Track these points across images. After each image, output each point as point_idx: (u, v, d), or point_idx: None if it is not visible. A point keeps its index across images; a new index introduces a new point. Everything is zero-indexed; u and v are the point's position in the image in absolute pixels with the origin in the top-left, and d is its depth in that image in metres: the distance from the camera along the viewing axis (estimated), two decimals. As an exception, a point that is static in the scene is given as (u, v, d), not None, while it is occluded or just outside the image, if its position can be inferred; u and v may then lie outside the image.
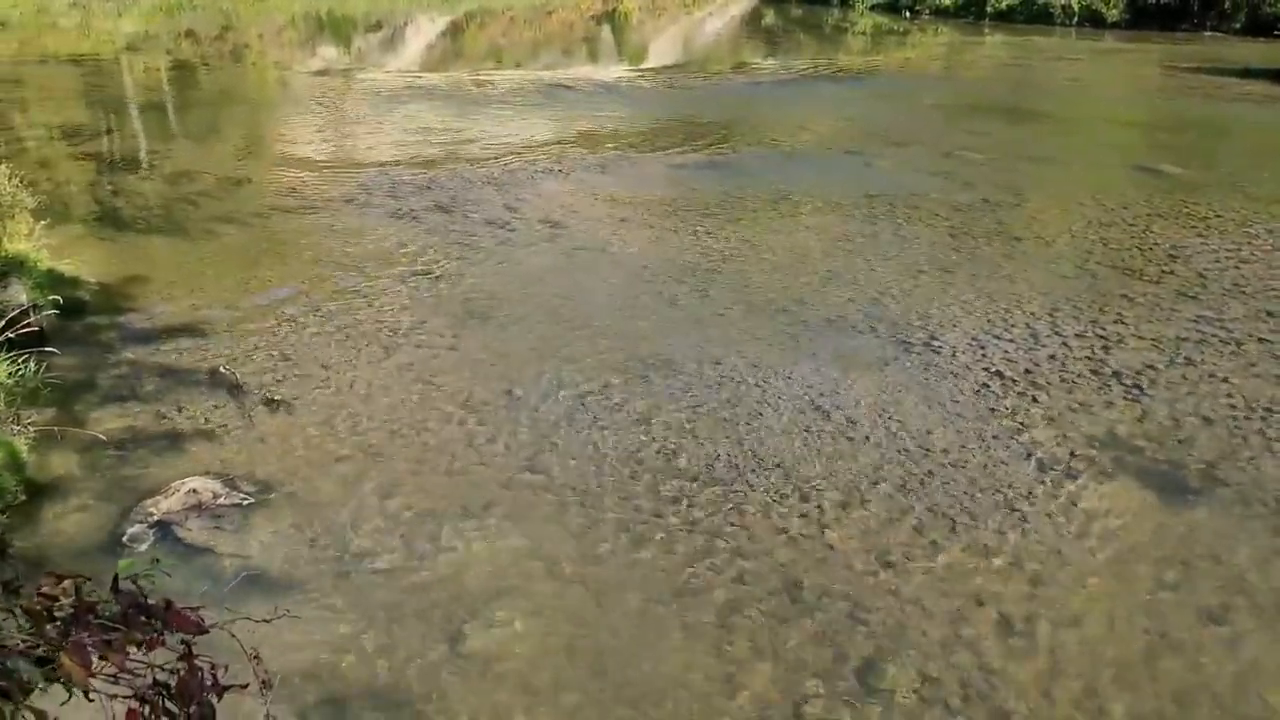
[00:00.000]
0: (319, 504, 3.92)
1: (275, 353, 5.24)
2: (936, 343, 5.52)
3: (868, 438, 4.52)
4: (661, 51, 23.26)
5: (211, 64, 18.72)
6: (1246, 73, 15.10)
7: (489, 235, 7.22)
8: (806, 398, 4.89)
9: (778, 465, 4.29)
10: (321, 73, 16.55)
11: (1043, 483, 4.18)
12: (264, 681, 1.54)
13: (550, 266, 6.68)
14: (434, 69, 17.89)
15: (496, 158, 9.60)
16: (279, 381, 4.90)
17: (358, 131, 11.27)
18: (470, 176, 8.84)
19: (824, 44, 23.26)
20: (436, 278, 6.37)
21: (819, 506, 4.00)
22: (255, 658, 1.55)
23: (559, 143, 10.43)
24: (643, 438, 4.49)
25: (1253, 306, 6.01)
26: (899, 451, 4.41)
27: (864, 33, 24.45)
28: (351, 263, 6.60)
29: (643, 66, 18.31)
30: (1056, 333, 5.64)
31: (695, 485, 4.14)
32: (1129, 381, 5.04)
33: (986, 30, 22.72)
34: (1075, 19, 21.82)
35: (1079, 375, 5.12)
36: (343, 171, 9.15)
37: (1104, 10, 21.46)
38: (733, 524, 3.89)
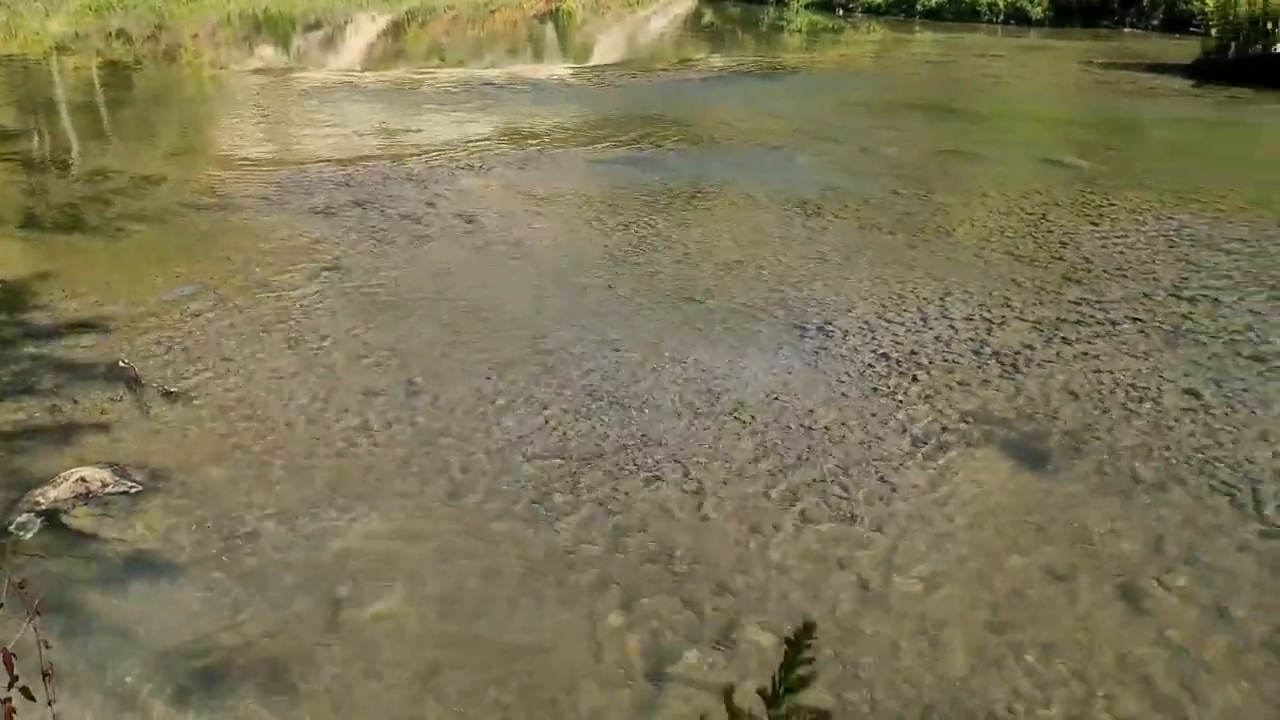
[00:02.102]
0: (209, 491, 4.01)
1: (177, 347, 5.30)
2: (830, 327, 5.72)
3: (754, 417, 4.70)
4: (601, 50, 23.39)
5: (144, 64, 18.52)
6: (1159, 68, 15.58)
7: (403, 230, 7.31)
8: (699, 381, 5.06)
9: (664, 445, 4.45)
10: (258, 72, 16.48)
11: (914, 456, 4.38)
12: (44, 673, 1.64)
13: (462, 260, 6.80)
14: (374, 68, 17.89)
15: (419, 155, 9.68)
16: (179, 374, 4.97)
17: (282, 130, 11.28)
18: (390, 173, 8.92)
19: (759, 42, 23.54)
20: (346, 272, 6.46)
21: (699, 482, 4.17)
22: (47, 646, 1.65)
23: (484, 139, 10.52)
24: (537, 422, 4.63)
25: (1131, 289, 6.29)
26: (782, 430, 4.60)
27: (799, 30, 24.76)
28: (262, 259, 6.66)
29: (580, 65, 18.44)
30: (945, 316, 5.87)
31: (583, 465, 4.28)
32: (1006, 361, 5.28)
33: (917, 28, 23.15)
34: (1001, 16, 22.31)
35: (960, 355, 5.35)
36: (262, 169, 9.18)
37: (1029, 8, 21.96)
38: (615, 500, 4.04)
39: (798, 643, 1.11)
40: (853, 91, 14.05)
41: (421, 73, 16.36)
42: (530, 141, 10.47)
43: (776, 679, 1.09)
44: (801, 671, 1.08)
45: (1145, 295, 6.20)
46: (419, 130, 10.97)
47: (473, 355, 5.30)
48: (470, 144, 10.26)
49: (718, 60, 18.22)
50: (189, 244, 7.11)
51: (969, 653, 3.26)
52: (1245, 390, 4.95)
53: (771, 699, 1.09)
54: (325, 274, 6.42)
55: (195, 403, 4.70)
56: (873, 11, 25.34)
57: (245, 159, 9.76)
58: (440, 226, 7.45)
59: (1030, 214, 7.88)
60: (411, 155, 9.66)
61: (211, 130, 11.95)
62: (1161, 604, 3.48)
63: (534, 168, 9.29)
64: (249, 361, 5.16)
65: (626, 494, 4.09)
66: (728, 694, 1.11)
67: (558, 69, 17.44)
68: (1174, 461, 4.33)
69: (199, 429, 4.48)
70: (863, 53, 20.32)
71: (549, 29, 28.23)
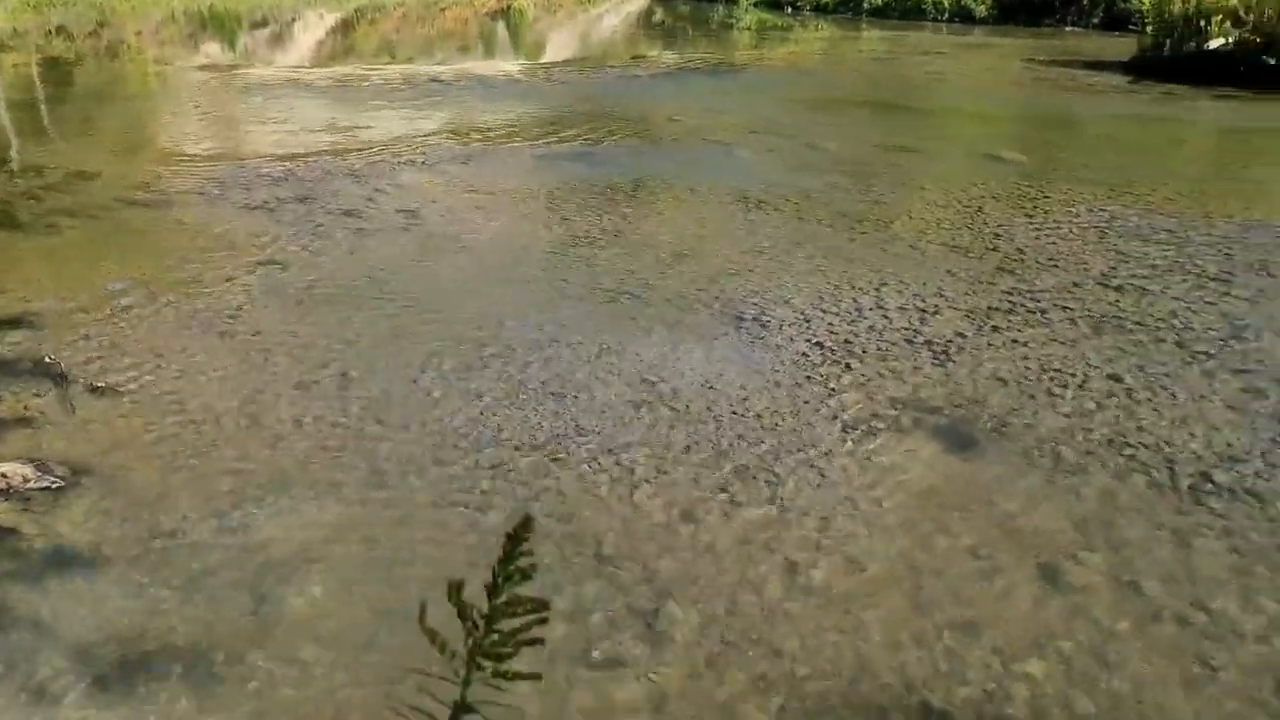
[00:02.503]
0: (134, 485, 3.96)
1: (107, 342, 5.23)
2: (766, 318, 5.78)
3: (688, 407, 4.74)
4: (551, 47, 23.34)
5: (85, 61, 18.19)
6: (1098, 65, 15.90)
7: (342, 225, 7.27)
8: (635, 372, 5.09)
9: (598, 434, 4.48)
10: (203, 69, 16.26)
11: (844, 442, 4.45)
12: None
13: (401, 255, 6.77)
14: (323, 65, 17.71)
15: (362, 150, 9.62)
16: (106, 370, 4.91)
17: (223, 127, 11.15)
18: (332, 169, 8.86)
19: (709, 39, 23.64)
20: (284, 267, 6.41)
21: (631, 470, 4.20)
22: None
23: (428, 135, 10.48)
24: (470, 413, 4.63)
25: (1062, 279, 6.42)
26: (715, 418, 4.64)
27: (748, 28, 24.93)
28: (196, 254, 6.59)
29: (530, 62, 18.41)
30: (880, 306, 5.96)
31: (515, 454, 4.29)
32: (938, 349, 5.37)
33: (863, 26, 23.41)
34: (946, 14, 22.63)
35: (893, 344, 5.43)
36: (202, 165, 9.07)
37: (973, 6, 22.30)
38: (546, 489, 4.06)
39: (516, 537, 1.17)
40: (798, 88, 14.18)
41: (369, 70, 16.24)
42: (475, 137, 10.45)
43: (496, 571, 1.15)
44: (521, 563, 1.14)
45: (1075, 284, 6.33)
46: (362, 126, 10.90)
47: (409, 348, 5.29)
48: (414, 140, 10.21)
49: (667, 57, 18.29)
50: (123, 240, 7.01)
51: (890, 631, 3.32)
52: (1166, 375, 5.07)
53: (492, 590, 1.16)
54: (262, 269, 6.37)
55: (123, 398, 4.64)
56: (820, 10, 25.59)
57: (185, 155, 9.63)
58: (381, 222, 7.42)
59: (967, 207, 8.01)
60: (354, 151, 9.59)
61: (151, 126, 11.78)
62: (1078, 580, 3.57)
63: (478, 163, 9.27)
64: (180, 356, 5.10)
65: (558, 482, 4.10)
66: (453, 588, 1.16)
67: (507, 66, 17.40)
68: (1095, 444, 4.43)
69: (126, 424, 4.43)
70: (810, 50, 20.49)
71: (500, 27, 28.13)
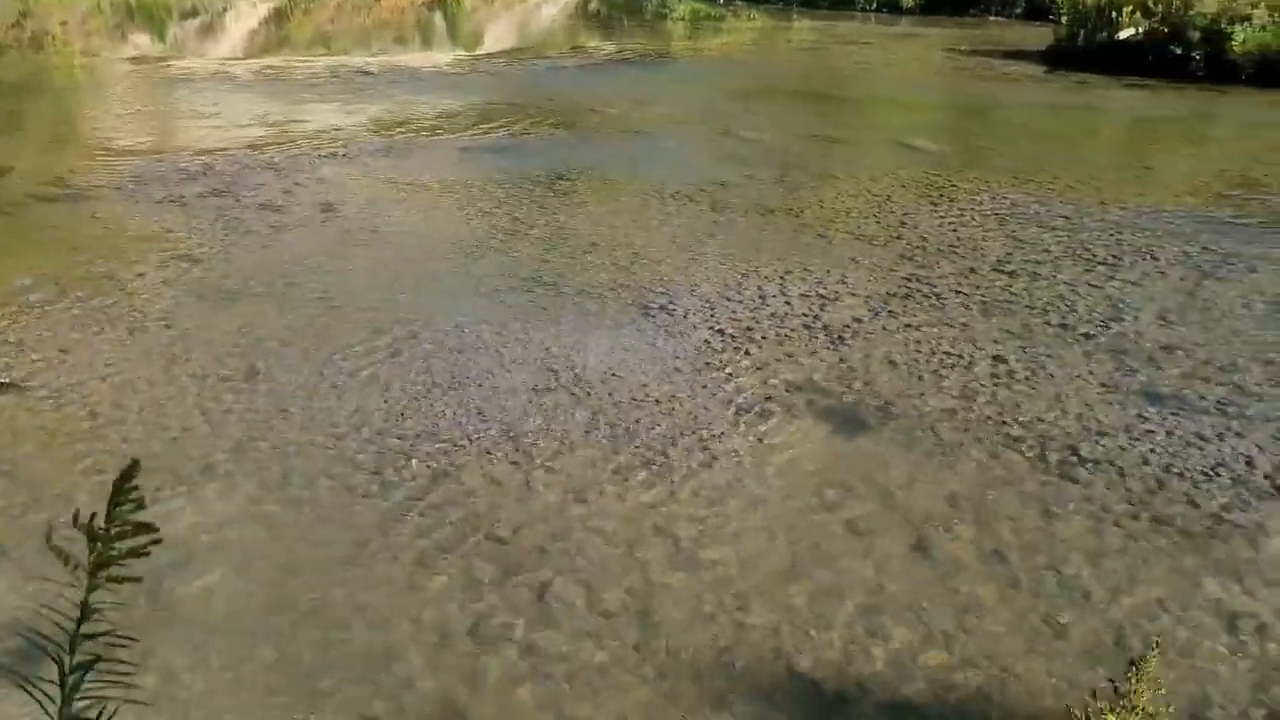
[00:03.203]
0: (35, 479, 4.02)
1: (13, 339, 5.24)
2: (673, 306, 5.95)
3: (589, 393, 4.89)
4: (487, 37, 23.26)
5: (7, 53, 17.80)
6: (1017, 55, 16.30)
7: (259, 219, 7.30)
8: (540, 360, 5.22)
9: (499, 421, 4.61)
10: (130, 61, 16.01)
11: (737, 425, 4.63)
12: None
13: (317, 248, 6.83)
14: (255, 56, 17.49)
15: (283, 144, 9.62)
16: (11, 365, 4.93)
17: (144, 120, 11.05)
18: (251, 163, 8.85)
19: (643, 29, 23.72)
20: (197, 261, 6.44)
21: (529, 455, 4.34)
22: None
23: (352, 128, 10.49)
24: (376, 402, 4.74)
25: (959, 265, 6.67)
26: (615, 404, 4.79)
27: (682, 18, 25.05)
28: (110, 250, 6.59)
29: (464, 53, 18.36)
30: (783, 294, 6.15)
31: (418, 442, 4.41)
32: (834, 334, 5.58)
33: (794, 16, 23.69)
34: (875, 4, 22.98)
35: (793, 330, 5.63)
36: (120, 160, 9.01)
37: (900, -3, 22.68)
38: (446, 474, 4.19)
39: (126, 476, 1.37)
40: (725, 78, 14.38)
41: (297, 62, 16.11)
42: (399, 130, 10.48)
43: (109, 506, 1.46)
44: (131, 498, 1.43)
45: (971, 270, 6.58)
46: (285, 120, 10.87)
47: (319, 340, 5.37)
48: (337, 133, 10.22)
49: (600, 48, 18.37)
50: (35, 236, 6.97)
51: (767, 601, 3.50)
52: (1048, 356, 5.33)
53: (106, 520, 1.45)
54: (175, 263, 6.39)
55: (27, 392, 4.68)
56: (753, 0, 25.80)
57: (104, 149, 9.55)
58: (298, 215, 7.46)
59: (876, 196, 8.25)
60: (275, 144, 9.58)
61: (71, 120, 11.63)
62: (946, 551, 3.78)
63: (400, 156, 9.32)
64: (86, 351, 5.13)
65: (457, 469, 4.23)
66: (76, 516, 1.37)
67: (440, 57, 17.37)
68: (974, 422, 4.67)
69: (29, 418, 4.47)
70: (741, 40, 20.71)
71: (437, 16, 27.94)
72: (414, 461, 4.26)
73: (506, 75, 14.68)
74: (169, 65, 15.40)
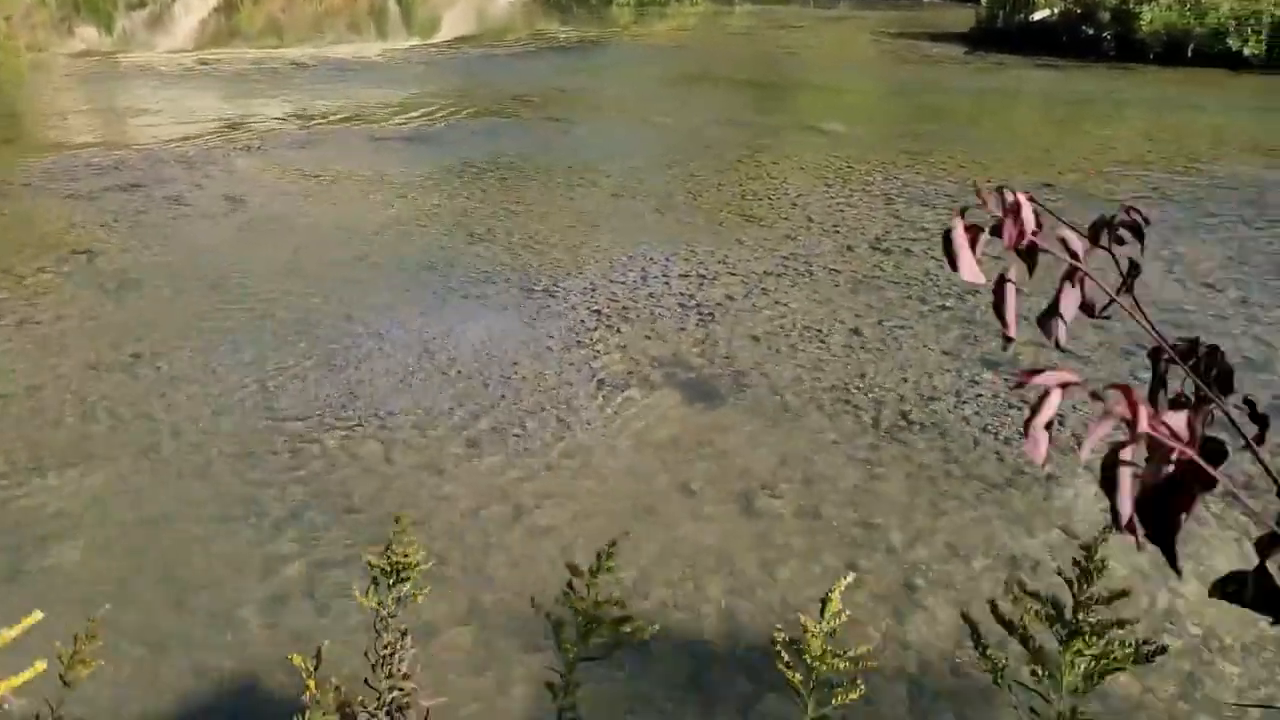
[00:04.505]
0: (-88, 463, 4.23)
1: (-95, 332, 5.44)
2: (556, 289, 6.21)
3: (460, 372, 5.15)
4: (435, 25, 23.31)
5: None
6: (941, 37, 16.65)
7: (165, 212, 7.48)
8: (420, 343, 5.47)
9: (369, 400, 4.86)
10: (76, 56, 15.99)
11: (596, 398, 4.91)
12: None
13: (222, 239, 7.03)
14: (203, 48, 17.51)
15: (198, 137, 9.77)
16: (-100, 358, 5.13)
17: (60, 116, 11.14)
18: (163, 156, 9.01)
19: (590, 15, 23.85)
20: (97, 254, 6.63)
21: (393, 431, 4.60)
22: None
23: (272, 120, 10.65)
24: (253, 387, 4.97)
25: (839, 243, 6.98)
26: (483, 382, 5.06)
27: (627, 4, 25.19)
28: (8, 245, 6.76)
29: (402, 43, 18.45)
30: (664, 275, 6.44)
31: (288, 422, 4.66)
32: (705, 312, 5.87)
33: (736, 2, 23.93)
34: (813, -11, 23.29)
35: (667, 309, 5.91)
36: (33, 155, 9.13)
37: (837, -20, 22.99)
38: (311, 453, 4.43)
39: None
40: (654, 65, 14.62)
41: (233, 54, 16.17)
42: (319, 121, 10.65)
43: None
44: None
45: (849, 249, 6.89)
46: (207, 113, 11.00)
47: (208, 328, 5.59)
48: (255, 125, 10.37)
49: (543, 34, 18.53)
50: (-61, 233, 7.12)
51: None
52: (902, 329, 5.65)
53: None
54: (75, 257, 6.58)
55: (-88, 385, 4.88)
56: (696, -15, 26.00)
57: (17, 145, 9.66)
58: (205, 207, 7.64)
59: (774, 178, 8.54)
60: (190, 138, 9.73)
61: (-6, 117, 11.69)
62: (767, 509, 4.08)
63: (315, 147, 9.50)
64: (-23, 344, 5.33)
65: (323, 446, 4.48)
66: None
67: (377, 46, 17.47)
68: (820, 391, 4.97)
69: (-87, 409, 4.67)
70: (680, 26, 20.93)
71: (390, 4, 27.88)
72: (280, 439, 4.50)
73: (438, 64, 14.84)
74: (112, 59, 15.42)
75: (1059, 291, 0.78)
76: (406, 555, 1.76)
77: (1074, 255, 0.75)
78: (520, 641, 3.35)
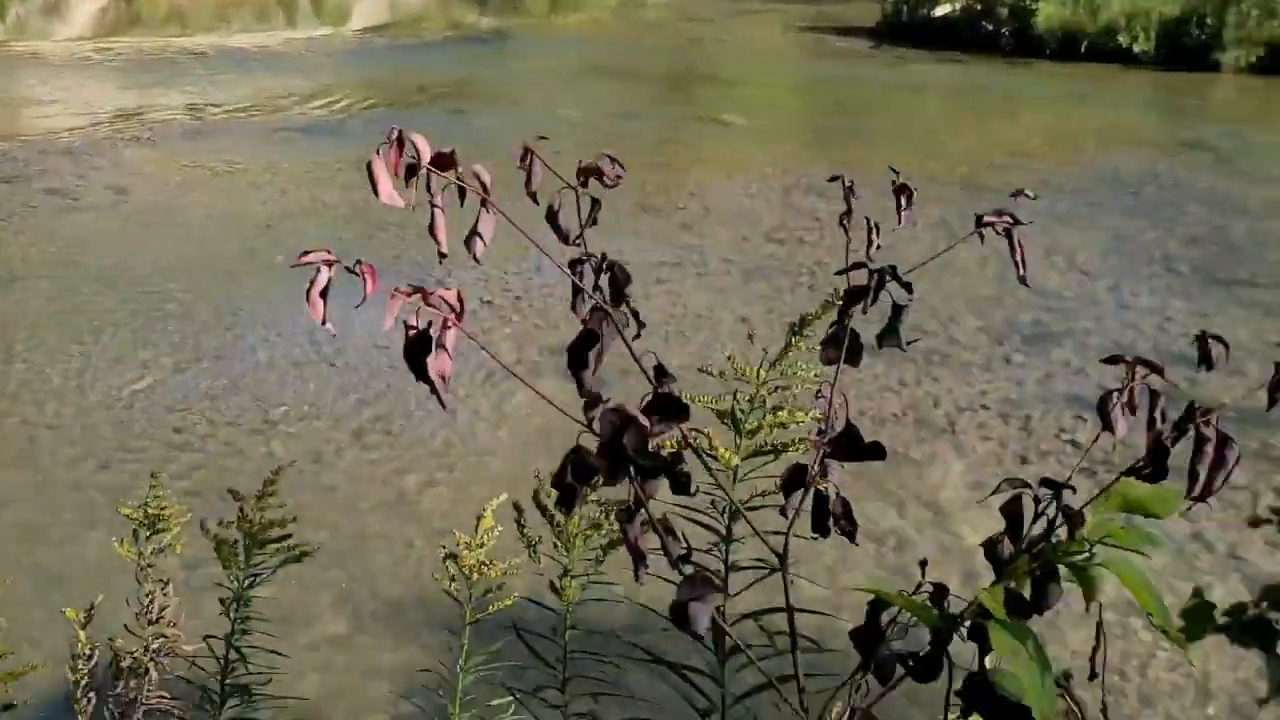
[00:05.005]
0: None
1: None
2: (449, 282, 6.19)
3: (348, 364, 5.12)
4: (344, 14, 22.88)
5: None
6: (849, 31, 16.92)
7: (46, 204, 7.27)
8: (307, 335, 5.41)
9: (252, 392, 4.80)
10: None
11: (483, 387, 4.92)
12: None
13: (103, 231, 6.86)
14: (105, 35, 16.94)
15: (89, 127, 9.49)
16: None
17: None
18: (50, 147, 8.74)
19: (505, 7, 23.64)
20: (-29, 248, 6.43)
21: (274, 423, 4.55)
22: None
23: (165, 110, 10.39)
24: (129, 377, 4.88)
25: (735, 234, 7.09)
26: (371, 374, 5.03)
27: (544, -6, 25.00)
28: (-121, 238, 6.52)
29: (310, 32, 18.10)
30: (558, 267, 6.45)
31: (165, 414, 4.58)
32: (597, 300, 5.91)
33: (650, -7, 23.99)
34: (725, -17, 23.45)
35: (558, 298, 5.94)
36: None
37: (750, -26, 23.19)
38: (189, 444, 4.37)
39: None
40: (562, 56, 14.60)
41: (131, 43, 15.72)
42: (214, 111, 10.43)
43: None
44: None
45: (744, 239, 7.00)
46: (97, 103, 10.69)
47: (84, 321, 5.46)
48: (148, 115, 10.11)
49: (459, 23, 18.36)
50: None
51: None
52: (787, 316, 5.76)
53: None
54: (-52, 251, 6.37)
55: None
56: (611, -23, 25.97)
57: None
58: (90, 200, 7.44)
59: (674, 169, 8.63)
60: (80, 128, 9.46)
61: None
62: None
63: (209, 138, 9.31)
64: None
65: (201, 438, 4.42)
66: None
67: (289, 34, 17.12)
68: (687, 369, 5.04)
69: None
70: (594, 17, 20.90)
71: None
72: (156, 432, 4.43)
73: (345, 54, 14.63)
74: (5, 46, 14.86)
75: (478, 218, 0.93)
76: (163, 509, 1.82)
77: (485, 186, 0.91)
78: (400, 628, 3.36)
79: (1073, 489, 0.82)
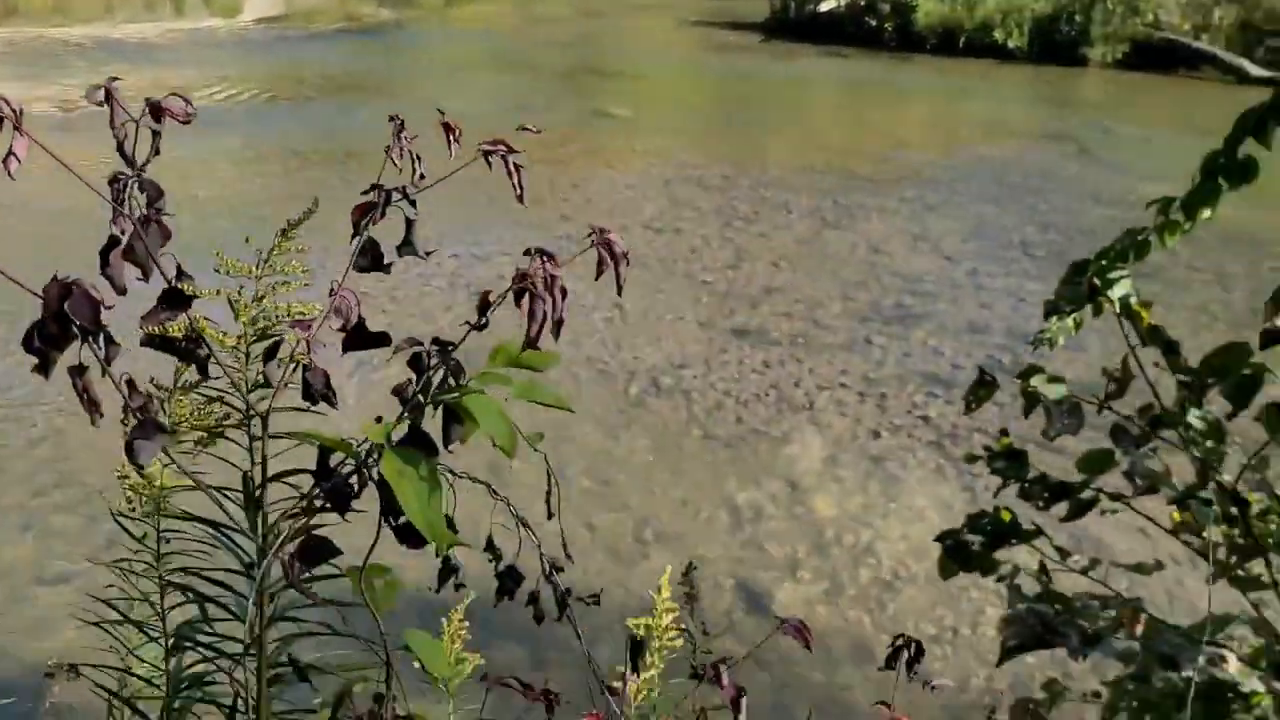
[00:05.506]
0: None
1: None
2: (320, 270, 6.15)
3: (215, 356, 5.06)
4: (242, 7, 22.30)
5: None
6: (742, 26, 17.19)
7: (-100, 199, 6.99)
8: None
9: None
10: None
11: (351, 376, 4.93)
12: None
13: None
14: None
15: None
16: None
17: None
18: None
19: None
20: None
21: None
22: None
23: (29, 102, 10.03)
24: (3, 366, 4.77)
25: (615, 223, 7.13)
26: (239, 364, 4.99)
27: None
28: None
29: (195, 23, 17.64)
30: (436, 256, 6.46)
31: (22, 410, 4.49)
32: (475, 290, 5.95)
33: (547, -13, 23.96)
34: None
35: (437, 289, 5.98)
36: None
37: (645, -31, 23.35)
38: (45, 438, 4.29)
39: None
40: (456, 49, 14.54)
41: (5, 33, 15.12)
42: (84, 105, 10.10)
43: None
44: None
45: (623, 229, 7.08)
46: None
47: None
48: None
49: (356, 14, 18.07)
50: None
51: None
52: (664, 302, 5.89)
53: None
54: None
55: None
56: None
57: None
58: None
59: (560, 161, 8.68)
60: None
61: None
62: (516, 478, 4.21)
63: (76, 132, 9.01)
64: None
65: (59, 433, 4.34)
66: None
67: (176, 25, 16.66)
68: (577, 363, 5.14)
69: None
70: (492, 11, 20.80)
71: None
72: (12, 426, 4.34)
73: (231, 46, 14.32)
74: None
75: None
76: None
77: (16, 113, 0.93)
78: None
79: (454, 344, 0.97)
